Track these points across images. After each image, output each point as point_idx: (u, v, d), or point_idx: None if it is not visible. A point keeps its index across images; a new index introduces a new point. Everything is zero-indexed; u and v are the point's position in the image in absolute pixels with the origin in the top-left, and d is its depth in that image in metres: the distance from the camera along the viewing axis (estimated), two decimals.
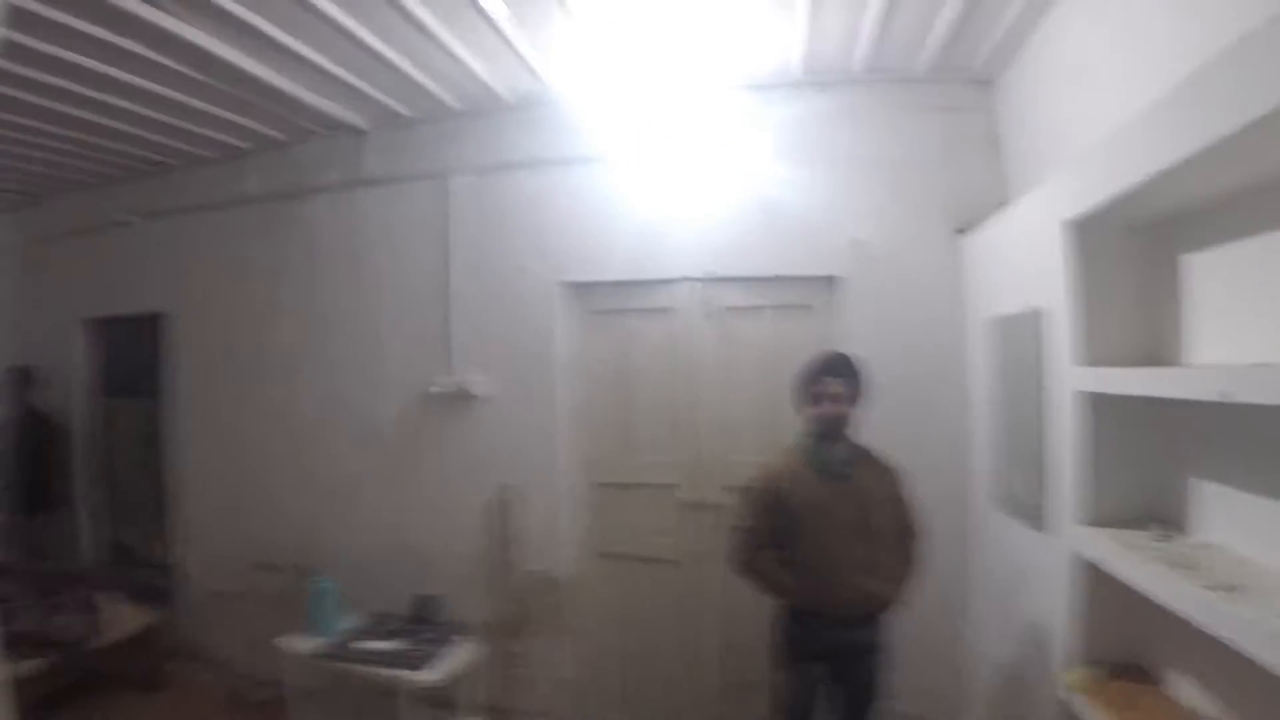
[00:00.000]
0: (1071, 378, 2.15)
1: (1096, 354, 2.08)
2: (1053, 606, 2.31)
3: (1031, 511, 2.48)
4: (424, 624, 3.56)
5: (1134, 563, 1.79)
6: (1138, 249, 2.06)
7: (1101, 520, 2.08)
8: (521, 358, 3.68)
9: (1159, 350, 2.04)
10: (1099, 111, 2.26)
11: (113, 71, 3.20)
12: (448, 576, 3.74)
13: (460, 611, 3.64)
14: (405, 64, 3.23)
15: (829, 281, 3.35)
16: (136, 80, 3.30)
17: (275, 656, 3.48)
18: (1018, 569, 2.67)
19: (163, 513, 4.82)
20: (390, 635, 3.44)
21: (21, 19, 2.65)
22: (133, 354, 5.06)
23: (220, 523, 4.51)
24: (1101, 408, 2.07)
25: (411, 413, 3.90)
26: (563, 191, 3.63)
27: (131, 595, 4.35)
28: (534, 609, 3.62)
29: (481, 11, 2.74)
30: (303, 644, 3.43)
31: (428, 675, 3.18)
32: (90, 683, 3.90)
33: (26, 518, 4.84)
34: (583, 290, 3.70)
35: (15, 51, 2.89)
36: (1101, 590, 2.04)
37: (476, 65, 3.23)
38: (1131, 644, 2.09)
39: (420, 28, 2.86)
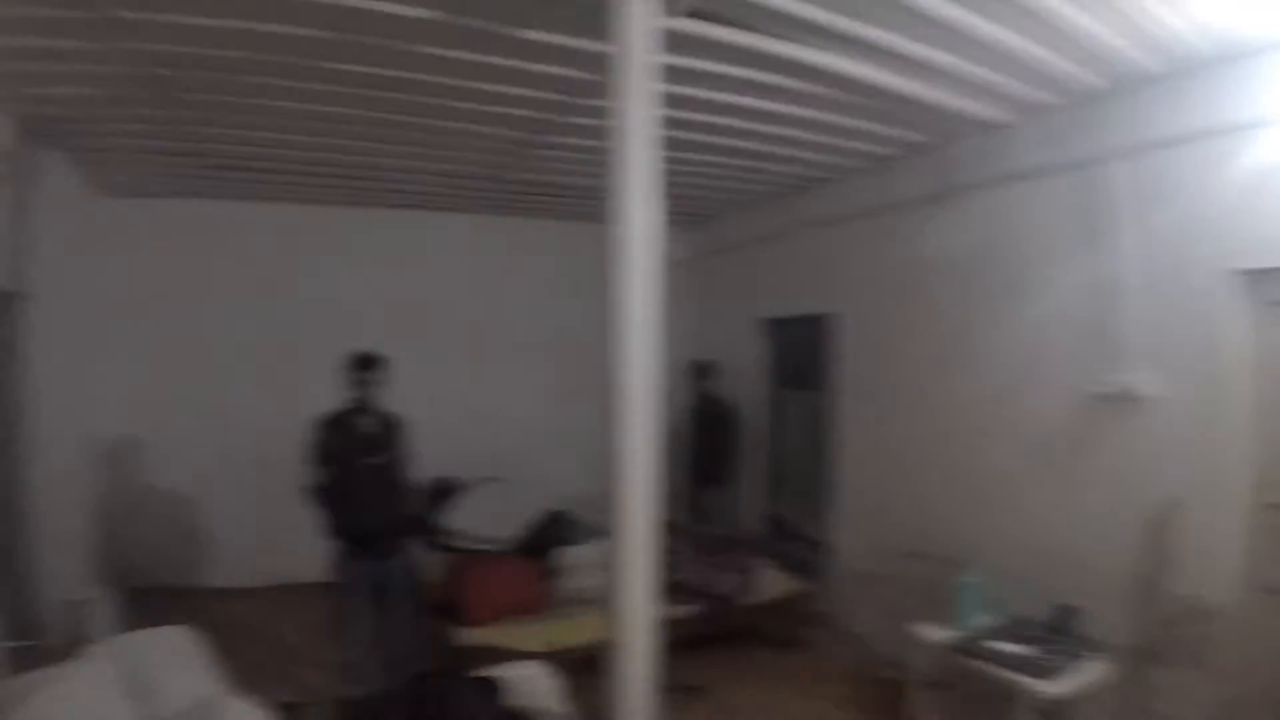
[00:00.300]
0: None
1: None
2: None
3: None
4: (1059, 633, 3.34)
5: None
6: None
7: None
8: (1187, 356, 3.20)
9: None
10: None
11: (769, 105, 3.66)
12: (1091, 588, 3.41)
13: (1098, 627, 3.31)
14: (1039, 52, 3.03)
15: None
16: (791, 110, 3.71)
17: (906, 641, 3.61)
18: None
19: (819, 493, 5.28)
20: (1023, 639, 3.30)
21: (685, 75, 3.17)
22: (800, 350, 5.71)
23: (872, 507, 4.75)
24: None
25: (1070, 412, 3.63)
26: (1232, 164, 3.00)
27: (781, 564, 4.89)
28: (1178, 637, 3.15)
29: None
30: (935, 633, 3.49)
31: (1051, 687, 2.99)
32: (733, 634, 4.46)
33: (698, 487, 5.84)
34: (1260, 278, 3.02)
35: (685, 101, 3.45)
36: None
37: (1115, 39, 2.88)
38: None
39: (1044, 15, 2.68)
